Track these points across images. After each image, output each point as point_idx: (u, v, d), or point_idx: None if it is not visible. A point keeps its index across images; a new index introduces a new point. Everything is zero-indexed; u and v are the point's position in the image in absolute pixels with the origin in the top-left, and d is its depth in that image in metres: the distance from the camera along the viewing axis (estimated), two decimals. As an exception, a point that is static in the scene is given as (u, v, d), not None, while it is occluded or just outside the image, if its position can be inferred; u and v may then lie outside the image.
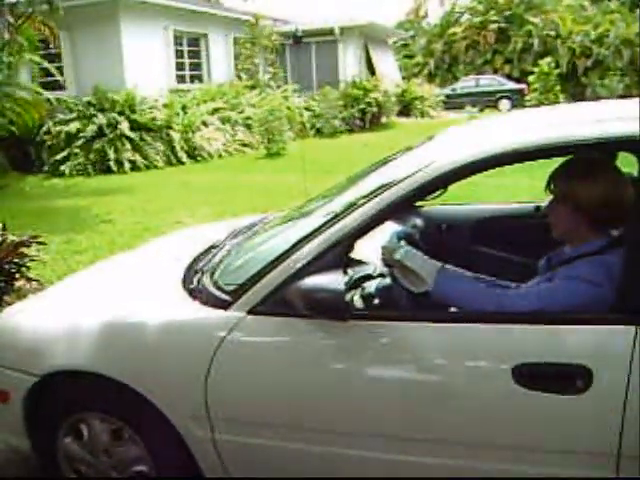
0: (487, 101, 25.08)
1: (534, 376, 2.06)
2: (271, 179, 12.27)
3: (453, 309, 2.33)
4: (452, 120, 20.14)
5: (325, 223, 2.36)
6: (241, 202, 9.81)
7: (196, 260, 3.06)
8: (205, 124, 16.28)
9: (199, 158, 15.40)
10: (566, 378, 2.04)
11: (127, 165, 14.08)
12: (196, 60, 19.97)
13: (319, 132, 20.02)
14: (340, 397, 2.29)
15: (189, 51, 19.56)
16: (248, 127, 17.33)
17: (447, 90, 29.86)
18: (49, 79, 15.51)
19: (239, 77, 20.74)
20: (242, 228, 3.50)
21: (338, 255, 2.28)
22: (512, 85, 29.28)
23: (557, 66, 22.42)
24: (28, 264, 5.83)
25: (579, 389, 2.01)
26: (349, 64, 23.71)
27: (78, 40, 16.62)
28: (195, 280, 2.74)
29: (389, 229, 2.90)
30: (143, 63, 16.78)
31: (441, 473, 2.24)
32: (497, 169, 2.33)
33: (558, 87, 20.51)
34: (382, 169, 2.85)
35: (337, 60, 23.70)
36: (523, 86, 27.01)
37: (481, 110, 16.92)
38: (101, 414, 2.65)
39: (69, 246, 7.50)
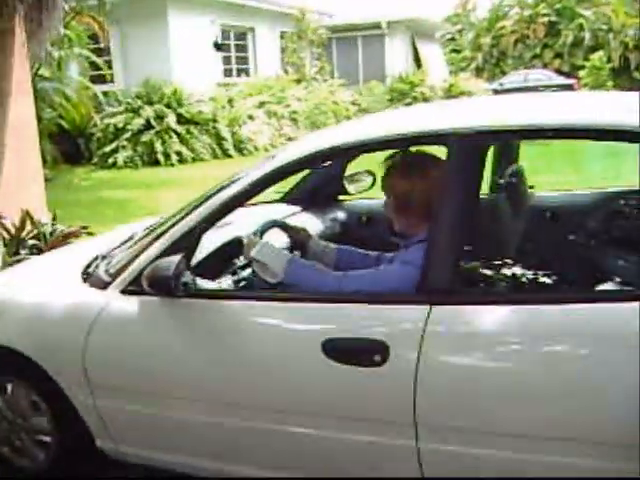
0: (536, 96, 24.56)
1: (341, 350, 2.25)
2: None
3: (281, 289, 2.58)
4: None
5: (184, 214, 2.65)
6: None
7: (103, 251, 3.29)
8: (251, 118, 16.29)
9: (245, 152, 15.42)
10: (367, 352, 2.21)
11: (174, 158, 14.18)
12: (243, 54, 20.03)
13: (365, 126, 19.87)
14: (176, 367, 2.55)
15: (236, 45, 19.62)
16: (294, 121, 17.31)
17: (495, 85, 29.45)
18: (98, 73, 15.69)
19: (285, 71, 20.74)
20: (152, 224, 3.71)
21: (189, 242, 2.57)
22: (562, 80, 28.72)
23: (609, 60, 21.94)
24: (77, 254, 5.87)
25: (378, 362, 2.19)
26: (396, 58, 23.56)
27: (127, 34, 16.78)
28: (93, 267, 3.04)
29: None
30: (190, 57, 16.87)
31: (264, 436, 2.48)
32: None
33: (610, 82, 20.06)
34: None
35: (384, 54, 23.57)
36: (573, 81, 26.51)
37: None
38: (15, 379, 2.99)
39: (117, 237, 7.54)
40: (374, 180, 3.96)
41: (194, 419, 2.59)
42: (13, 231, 5.59)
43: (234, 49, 19.50)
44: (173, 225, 2.65)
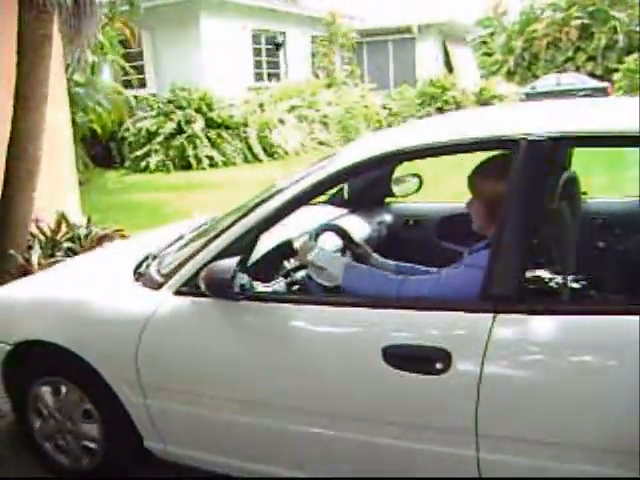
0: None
1: (401, 357, 2.22)
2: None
3: (335, 294, 2.57)
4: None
5: (241, 216, 2.64)
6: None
7: (153, 251, 3.30)
8: (282, 122, 16.34)
9: (276, 156, 15.47)
10: (428, 360, 2.17)
11: (205, 162, 14.27)
12: (274, 58, 20.11)
13: (396, 130, 19.86)
14: (233, 370, 2.55)
15: (267, 49, 19.71)
16: (325, 125, 17.33)
17: (527, 89, 29.19)
18: (131, 77, 15.87)
19: (316, 75, 20.78)
20: (202, 223, 3.73)
21: (245, 244, 2.55)
22: (595, 83, 28.38)
23: (643, 63, 21.69)
24: (111, 257, 5.94)
25: (440, 370, 2.15)
26: (426, 62, 23.49)
27: (159, 39, 16.95)
28: (144, 266, 3.04)
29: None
30: (222, 61, 17.00)
31: (319, 442, 2.46)
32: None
33: (645, 85, 19.83)
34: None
35: (414, 58, 23.52)
36: (606, 84, 26.18)
37: (563, 109, 16.40)
38: (64, 380, 2.99)
39: (150, 240, 7.60)
40: (420, 183, 3.98)
41: (244, 421, 2.58)
42: (49, 233, 5.67)
43: (265, 53, 19.59)
44: (228, 227, 2.63)
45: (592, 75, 30.62)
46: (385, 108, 20.07)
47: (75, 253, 5.57)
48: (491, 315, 2.13)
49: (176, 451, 2.81)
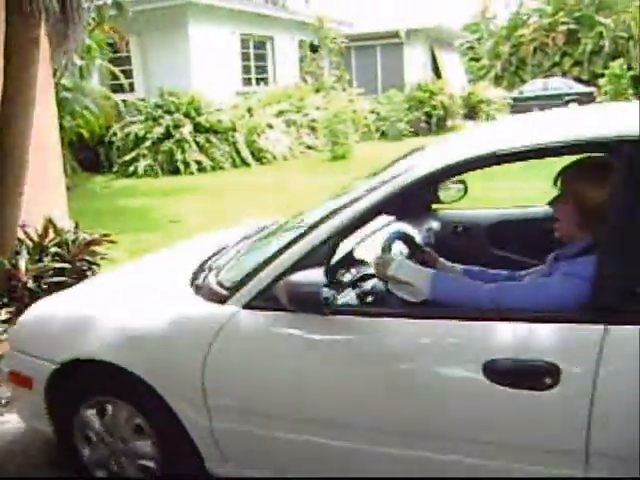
0: (555, 104, 24.51)
1: (504, 372, 2.11)
2: (336, 182, 12.22)
3: (428, 306, 2.40)
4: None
5: (314, 225, 2.51)
6: (307, 204, 9.77)
7: (206, 260, 3.22)
8: (270, 126, 16.34)
9: (264, 160, 15.47)
10: (535, 375, 2.07)
11: (194, 166, 14.26)
12: (262, 63, 20.12)
13: (384, 135, 19.93)
14: (317, 388, 2.41)
15: (255, 54, 19.71)
16: (313, 130, 17.35)
17: (514, 93, 29.36)
18: (119, 82, 15.84)
19: (304, 80, 20.80)
20: (253, 231, 3.67)
21: (322, 254, 2.41)
22: (581, 88, 28.56)
23: (629, 69, 21.79)
24: (99, 262, 5.92)
25: (548, 386, 2.04)
26: (414, 67, 23.56)
27: (147, 44, 16.92)
28: (201, 278, 2.90)
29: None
30: (210, 66, 16.98)
31: (405, 463, 2.32)
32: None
33: (631, 90, 19.92)
34: (372, 179, 2.92)
35: (402, 63, 23.58)
36: (593, 89, 26.35)
37: (549, 113, 16.50)
38: (116, 400, 2.83)
39: (139, 245, 7.59)
40: (465, 189, 3.86)
41: (326, 443, 2.43)
42: (36, 239, 5.63)
43: (253, 58, 19.59)
44: (300, 237, 2.49)
45: (578, 80, 30.81)
46: (373, 112, 20.10)
47: (62, 258, 5.55)
48: (602, 327, 2.03)
49: (243, 473, 2.67)
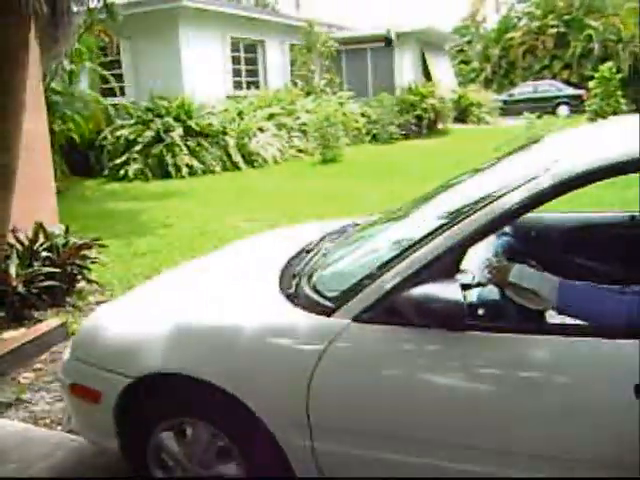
0: (545, 107, 24.62)
1: None
2: (327, 185, 12.25)
3: (572, 322, 2.25)
4: (510, 127, 19.87)
5: (435, 230, 2.31)
6: (299, 208, 9.80)
7: (290, 263, 3.03)
8: (261, 130, 16.35)
9: (255, 164, 15.45)
10: None
11: (185, 170, 14.22)
12: (253, 67, 20.13)
13: (375, 138, 19.96)
14: (453, 410, 2.22)
15: (246, 58, 19.73)
16: (304, 133, 17.36)
17: (504, 96, 29.48)
18: (110, 85, 15.82)
19: (295, 83, 20.82)
20: (333, 232, 3.48)
21: (450, 263, 2.24)
22: (571, 91, 28.72)
23: (618, 71, 21.89)
24: (89, 266, 5.91)
25: None
26: (405, 70, 23.60)
27: (138, 48, 16.90)
28: (293, 284, 2.70)
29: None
30: (201, 70, 16.98)
31: None
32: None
33: (620, 92, 19.99)
34: (482, 177, 2.83)
35: (393, 66, 23.62)
36: (582, 92, 26.45)
37: (539, 116, 16.58)
38: (198, 419, 2.60)
39: (129, 249, 7.58)
40: None
41: (449, 468, 2.25)
42: (27, 243, 5.62)
43: (244, 62, 19.59)
44: (422, 242, 2.29)
45: (568, 83, 30.98)
46: (364, 116, 20.13)
47: (53, 263, 5.54)
48: None
49: None
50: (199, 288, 3.11)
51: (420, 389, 2.25)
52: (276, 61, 20.84)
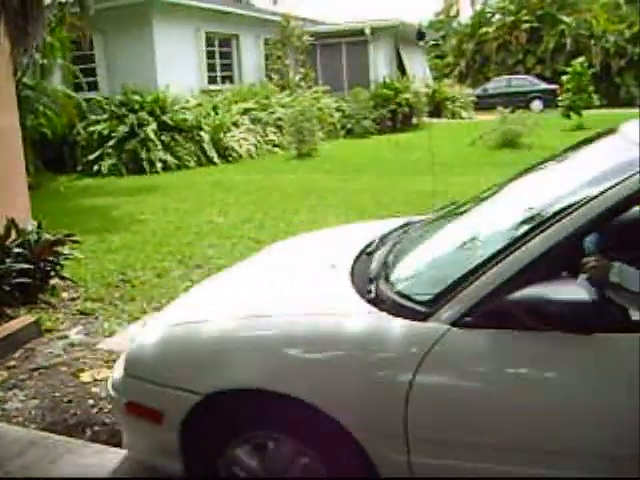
0: (519, 101, 24.76)
1: None
2: (303, 179, 12.24)
3: None
4: (485, 121, 19.99)
5: (535, 227, 2.18)
6: (274, 202, 9.79)
7: (357, 266, 2.87)
8: (236, 125, 16.29)
9: (230, 158, 15.41)
10: None
11: (159, 165, 14.13)
12: (227, 61, 20.03)
13: (350, 133, 20.00)
14: (578, 419, 2.08)
15: (220, 52, 19.62)
16: (279, 128, 17.32)
17: (478, 91, 29.63)
18: (82, 80, 15.67)
19: (270, 78, 20.76)
20: (390, 232, 3.33)
21: (557, 261, 2.12)
22: (544, 85, 28.97)
23: (590, 66, 22.09)
24: (62, 262, 5.86)
25: None
26: (380, 64, 23.63)
27: (111, 42, 16.74)
28: (372, 288, 2.52)
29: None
30: (175, 64, 16.86)
31: None
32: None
33: (592, 87, 20.17)
34: (557, 169, 2.76)
35: (368, 60, 23.63)
36: (555, 86, 26.64)
37: (512, 111, 16.70)
38: (280, 434, 2.46)
39: (102, 245, 7.52)
40: None
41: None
42: (-2, 239, 5.55)
43: (218, 56, 19.50)
44: (524, 238, 2.15)
45: (541, 77, 31.22)
46: (339, 110, 20.15)
47: (25, 259, 5.47)
48: None
49: None
50: (264, 296, 2.90)
51: (535, 396, 2.12)
52: (251, 56, 20.75)
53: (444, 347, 2.16)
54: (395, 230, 3.36)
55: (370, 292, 2.49)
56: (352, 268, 2.84)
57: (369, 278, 2.62)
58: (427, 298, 2.28)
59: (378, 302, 2.41)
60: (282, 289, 2.93)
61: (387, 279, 2.55)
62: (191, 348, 2.63)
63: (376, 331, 2.34)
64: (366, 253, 3.02)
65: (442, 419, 2.21)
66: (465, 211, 3.11)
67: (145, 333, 2.93)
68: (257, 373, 2.41)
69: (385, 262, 2.75)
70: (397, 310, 2.32)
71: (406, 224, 3.46)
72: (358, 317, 2.42)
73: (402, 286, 2.48)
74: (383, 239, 3.19)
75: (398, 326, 2.28)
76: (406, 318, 2.27)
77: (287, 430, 2.42)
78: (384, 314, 2.33)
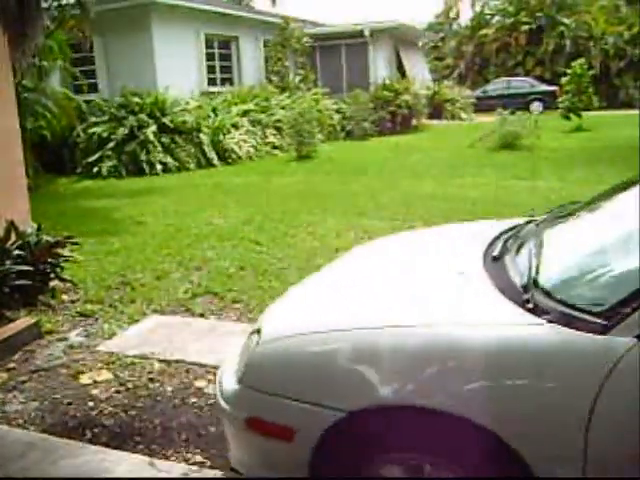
0: (518, 103, 24.78)
1: None
2: (302, 181, 12.25)
3: None
4: (484, 123, 20.01)
5: None
6: (272, 204, 9.79)
7: (493, 271, 2.63)
8: (236, 127, 16.29)
9: (230, 160, 15.41)
10: None
11: (159, 167, 14.14)
12: (227, 63, 20.04)
13: (349, 134, 20.01)
14: None
15: (220, 54, 19.63)
16: (278, 130, 17.33)
17: (478, 92, 29.63)
18: (82, 82, 15.69)
19: (269, 80, 20.78)
20: (513, 234, 3.12)
21: None
22: (544, 87, 28.97)
23: (590, 68, 22.10)
24: (62, 264, 5.86)
25: None
26: (379, 66, 23.63)
27: (111, 44, 16.76)
28: (530, 296, 2.28)
29: None
30: (175, 66, 16.87)
31: None
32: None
33: (591, 89, 20.18)
34: None
35: (367, 62, 23.63)
36: (555, 88, 26.65)
37: (512, 112, 16.71)
38: (434, 456, 2.24)
39: (102, 247, 7.52)
40: None
41: None
42: (-2, 242, 5.56)
43: (218, 58, 19.51)
44: None
45: (541, 79, 31.23)
46: (338, 112, 20.16)
47: (25, 261, 5.48)
48: None
49: None
50: (392, 303, 2.65)
51: None
52: (250, 57, 20.76)
53: (631, 362, 1.97)
54: (506, 233, 3.15)
55: (528, 301, 2.25)
56: (488, 274, 2.61)
57: (522, 285, 2.37)
58: (603, 308, 2.08)
59: (540, 312, 2.20)
60: (407, 296, 2.68)
61: (543, 286, 2.33)
62: (330, 361, 2.41)
63: (548, 343, 2.12)
64: (492, 258, 2.78)
65: (628, 445, 2.01)
66: (595, 212, 2.93)
67: (266, 340, 2.61)
68: (411, 389, 2.22)
69: (532, 268, 2.48)
70: (567, 321, 2.12)
71: (515, 226, 3.26)
72: (522, 328, 2.20)
73: (566, 294, 2.26)
74: (506, 243, 2.95)
75: (574, 339, 2.07)
76: (579, 330, 2.07)
77: (442, 451, 2.21)
78: (552, 325, 2.13)
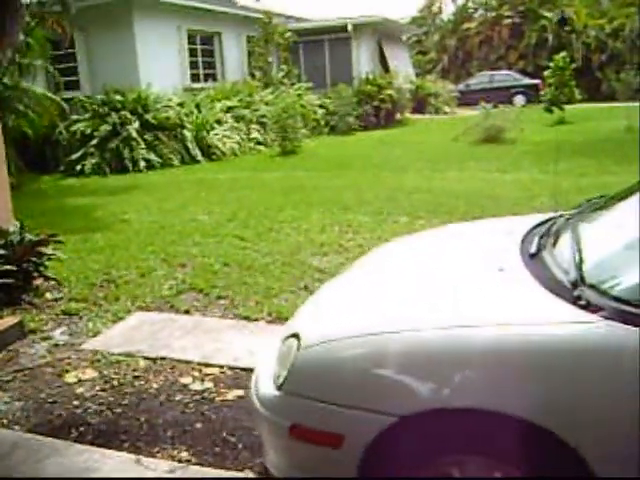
0: (501, 97, 24.86)
1: None
2: (287, 177, 12.23)
3: None
4: (468, 117, 20.06)
5: None
6: (257, 200, 9.78)
7: (535, 269, 2.58)
8: (219, 123, 16.26)
9: (214, 157, 15.37)
10: None
11: (142, 164, 14.07)
12: (210, 59, 19.97)
13: (333, 129, 20.02)
14: None
15: (203, 50, 19.56)
16: (262, 125, 17.31)
17: (461, 86, 29.72)
18: (65, 79, 15.58)
19: (253, 75, 20.73)
20: (534, 229, 3.10)
21: None
22: (527, 80, 29.10)
23: (572, 61, 22.20)
24: (46, 263, 5.83)
25: None
26: (363, 61, 23.63)
27: (92, 40, 16.66)
28: (582, 293, 2.23)
29: None
30: (157, 62, 16.80)
31: None
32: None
33: (573, 82, 20.28)
34: None
35: (350, 57, 23.62)
36: (538, 81, 26.79)
37: (495, 106, 16.78)
38: (488, 458, 2.20)
39: (86, 245, 7.49)
40: None
41: None
42: (-20, 241, 5.52)
43: (201, 54, 19.44)
44: None
45: (524, 72, 31.34)
46: (322, 107, 20.15)
47: (8, 260, 5.45)
48: None
49: None
50: (444, 298, 2.60)
51: None
52: (233, 53, 20.70)
53: None
54: (537, 228, 3.10)
55: (580, 297, 2.21)
56: (529, 270, 2.56)
57: (571, 281, 2.33)
58: None
59: (593, 309, 2.15)
60: (453, 295, 2.60)
61: (593, 282, 2.28)
62: (383, 364, 2.33)
63: (608, 340, 2.08)
64: (530, 254, 2.73)
65: None
66: (632, 204, 2.83)
67: (310, 344, 2.51)
68: (470, 391, 2.15)
69: (577, 263, 2.41)
70: (624, 317, 2.07)
71: (547, 220, 3.22)
72: (581, 326, 2.14)
73: (619, 290, 2.21)
74: (542, 239, 2.89)
75: (636, 336, 2.02)
76: (637, 326, 2.03)
77: (500, 453, 2.15)
78: (609, 322, 2.09)
